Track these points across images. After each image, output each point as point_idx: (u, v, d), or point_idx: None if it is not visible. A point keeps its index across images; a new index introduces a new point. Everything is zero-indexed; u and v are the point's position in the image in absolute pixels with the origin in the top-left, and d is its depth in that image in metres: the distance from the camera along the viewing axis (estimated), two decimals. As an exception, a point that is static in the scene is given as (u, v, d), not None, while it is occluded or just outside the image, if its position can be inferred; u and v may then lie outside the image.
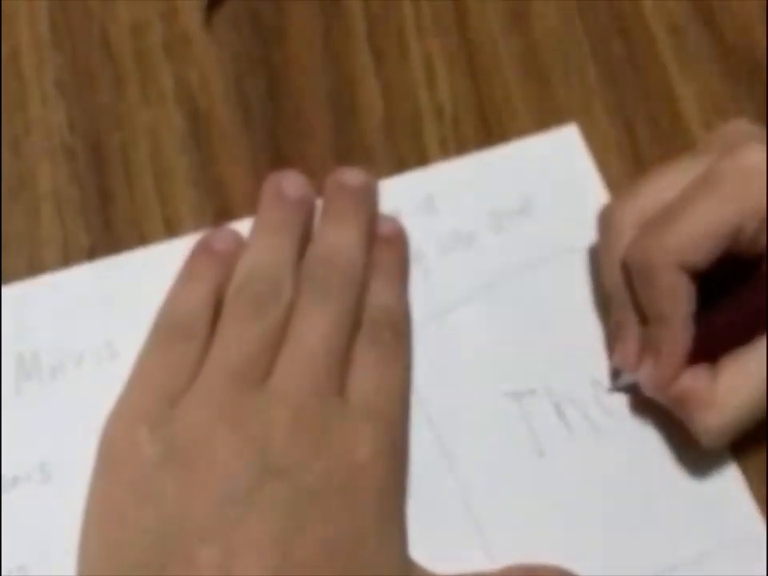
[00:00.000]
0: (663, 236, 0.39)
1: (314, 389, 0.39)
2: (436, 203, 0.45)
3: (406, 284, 0.44)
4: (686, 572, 0.40)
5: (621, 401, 0.43)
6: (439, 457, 0.41)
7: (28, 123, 0.46)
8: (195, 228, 0.45)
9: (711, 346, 0.40)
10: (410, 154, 0.47)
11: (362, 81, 0.48)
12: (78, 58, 0.48)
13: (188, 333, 0.40)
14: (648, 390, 0.41)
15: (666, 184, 0.41)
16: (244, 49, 0.48)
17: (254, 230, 0.43)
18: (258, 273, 0.41)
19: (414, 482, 0.40)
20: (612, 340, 0.42)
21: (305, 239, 0.43)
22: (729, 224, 0.39)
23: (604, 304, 0.43)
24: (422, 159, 0.47)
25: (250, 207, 0.44)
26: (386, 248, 0.44)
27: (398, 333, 0.42)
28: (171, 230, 0.45)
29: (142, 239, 0.45)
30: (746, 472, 0.42)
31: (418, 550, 0.39)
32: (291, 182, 0.44)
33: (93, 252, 0.44)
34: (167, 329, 0.41)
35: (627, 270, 0.40)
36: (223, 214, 0.45)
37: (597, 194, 0.46)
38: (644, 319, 0.41)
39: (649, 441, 0.42)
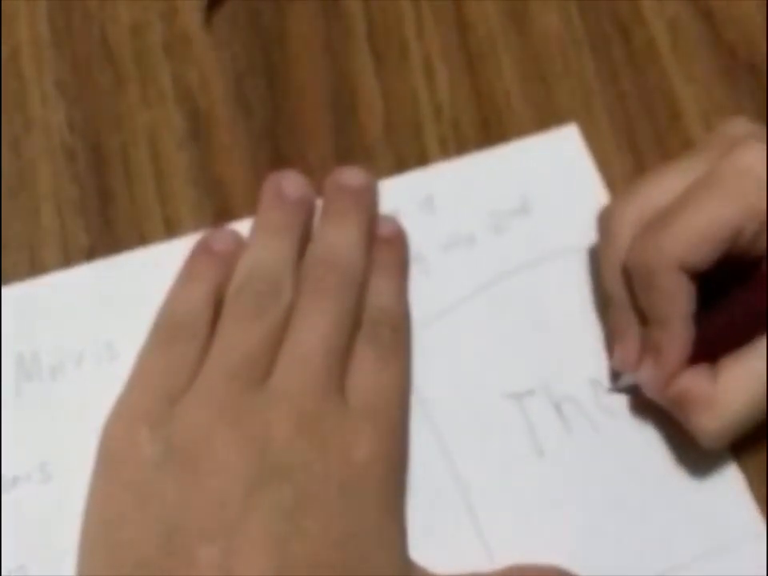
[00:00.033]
0: (663, 237, 0.39)
1: (314, 389, 0.39)
2: (436, 203, 0.46)
3: (406, 284, 0.44)
4: (686, 572, 0.40)
5: (620, 401, 0.43)
6: (439, 457, 0.41)
7: (28, 123, 0.46)
8: (195, 228, 0.45)
9: (711, 346, 0.40)
10: (410, 154, 0.47)
11: (361, 81, 0.48)
12: (78, 58, 0.48)
13: (188, 333, 0.40)
14: (648, 391, 0.41)
15: (665, 185, 0.41)
16: (244, 49, 0.48)
17: (254, 230, 0.43)
18: (258, 273, 0.41)
19: (414, 481, 0.40)
20: (612, 341, 0.42)
21: (305, 239, 0.43)
22: (729, 225, 0.39)
23: (604, 304, 0.43)
24: (421, 159, 0.47)
25: (249, 207, 0.44)
26: (386, 248, 0.44)
27: (397, 333, 0.42)
28: (171, 230, 0.45)
29: (141, 239, 0.45)
30: (746, 472, 0.42)
31: (418, 550, 0.39)
32: (291, 182, 0.44)
33: (93, 252, 0.44)
34: (167, 329, 0.41)
35: (627, 271, 0.40)
36: (223, 214, 0.45)
37: (597, 194, 0.46)
38: (644, 320, 0.41)
39: (649, 441, 0.42)
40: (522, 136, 0.47)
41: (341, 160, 0.46)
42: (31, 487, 0.40)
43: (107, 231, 0.45)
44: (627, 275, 0.41)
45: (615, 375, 0.43)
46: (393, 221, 0.45)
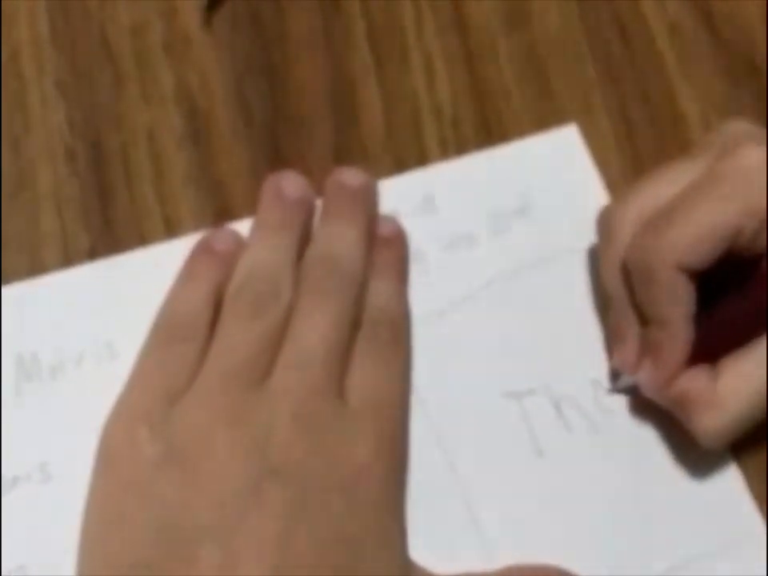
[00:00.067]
0: (663, 237, 0.39)
1: (314, 388, 0.39)
2: (436, 203, 0.46)
3: (406, 284, 0.44)
4: (685, 572, 0.40)
5: (620, 401, 0.43)
6: (439, 457, 0.41)
7: (28, 123, 0.46)
8: (195, 228, 0.45)
9: (711, 346, 0.40)
10: (410, 154, 0.47)
11: (362, 81, 0.48)
12: (78, 58, 0.48)
13: (188, 333, 0.40)
14: (647, 392, 0.41)
15: (665, 185, 0.41)
16: (244, 49, 0.48)
17: (254, 230, 0.43)
18: (258, 273, 0.41)
19: (414, 481, 0.40)
20: (611, 341, 0.42)
21: (304, 239, 0.43)
22: (729, 225, 0.39)
23: (603, 304, 0.43)
24: (421, 159, 0.47)
25: (249, 207, 0.44)
26: (386, 248, 0.44)
27: (397, 333, 0.42)
28: (171, 230, 0.45)
29: (141, 239, 0.45)
30: (746, 472, 0.42)
31: (418, 550, 0.39)
32: (291, 183, 0.44)
33: (93, 252, 0.44)
34: (167, 329, 0.41)
35: (627, 272, 0.40)
36: (223, 214, 0.45)
37: (596, 194, 0.46)
38: (643, 320, 0.41)
39: (648, 440, 0.42)
40: (522, 136, 0.47)
41: (340, 160, 0.46)
42: (31, 487, 0.40)
43: (107, 231, 0.45)
44: (627, 275, 0.41)
45: (615, 375, 0.43)
46: (393, 221, 0.45)
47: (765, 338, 0.39)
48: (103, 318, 0.43)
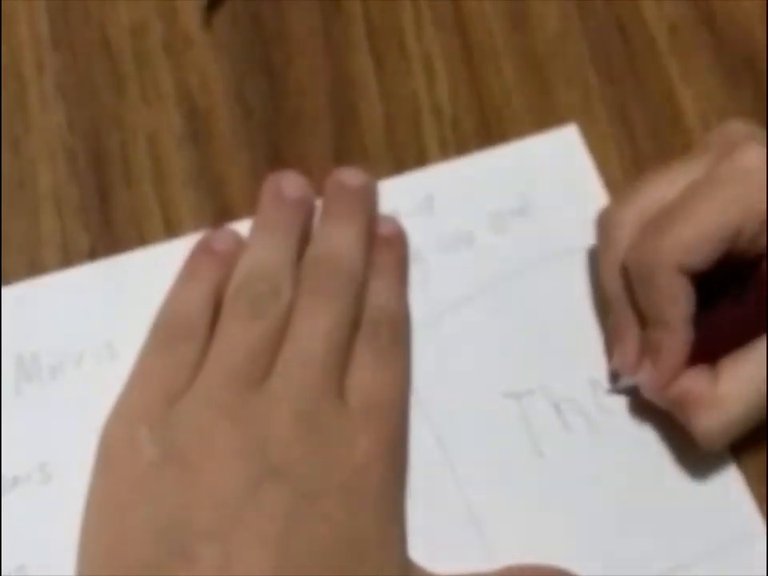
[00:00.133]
0: (662, 238, 0.39)
1: (314, 389, 0.39)
2: (435, 203, 0.46)
3: (406, 284, 0.44)
4: (686, 572, 0.40)
5: (620, 401, 0.43)
6: (439, 457, 0.41)
7: (28, 123, 0.46)
8: (195, 228, 0.45)
9: (711, 347, 0.40)
10: (410, 155, 0.47)
11: (361, 81, 0.48)
12: (78, 59, 0.48)
13: (188, 333, 0.40)
14: (647, 393, 0.41)
15: (664, 186, 0.41)
16: (244, 49, 0.48)
17: (254, 230, 0.43)
18: (258, 273, 0.41)
19: (414, 482, 0.40)
20: (611, 342, 0.42)
21: (304, 239, 0.43)
22: (728, 226, 0.39)
23: (603, 305, 0.43)
24: (421, 159, 0.47)
25: (249, 207, 0.44)
26: (386, 248, 0.44)
27: (397, 333, 0.42)
28: (171, 230, 0.45)
29: (141, 239, 0.45)
30: (746, 472, 0.42)
31: (418, 550, 0.39)
32: (291, 183, 0.44)
33: (93, 252, 0.44)
34: (167, 329, 0.41)
35: (626, 273, 0.40)
36: (223, 214, 0.45)
37: (596, 195, 0.46)
38: (643, 321, 0.41)
39: (648, 441, 0.42)
40: (521, 136, 0.47)
41: (340, 160, 0.46)
42: (31, 487, 0.40)
43: (107, 231, 0.45)
44: (626, 276, 0.41)
45: (615, 376, 0.42)
46: (393, 221, 0.45)
47: (765, 338, 0.39)
48: (103, 318, 0.43)
